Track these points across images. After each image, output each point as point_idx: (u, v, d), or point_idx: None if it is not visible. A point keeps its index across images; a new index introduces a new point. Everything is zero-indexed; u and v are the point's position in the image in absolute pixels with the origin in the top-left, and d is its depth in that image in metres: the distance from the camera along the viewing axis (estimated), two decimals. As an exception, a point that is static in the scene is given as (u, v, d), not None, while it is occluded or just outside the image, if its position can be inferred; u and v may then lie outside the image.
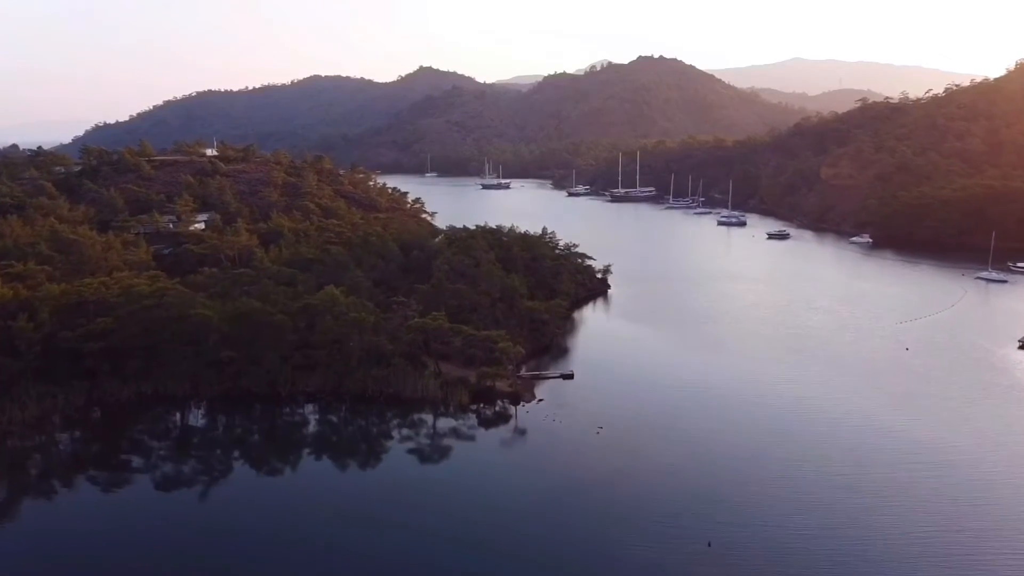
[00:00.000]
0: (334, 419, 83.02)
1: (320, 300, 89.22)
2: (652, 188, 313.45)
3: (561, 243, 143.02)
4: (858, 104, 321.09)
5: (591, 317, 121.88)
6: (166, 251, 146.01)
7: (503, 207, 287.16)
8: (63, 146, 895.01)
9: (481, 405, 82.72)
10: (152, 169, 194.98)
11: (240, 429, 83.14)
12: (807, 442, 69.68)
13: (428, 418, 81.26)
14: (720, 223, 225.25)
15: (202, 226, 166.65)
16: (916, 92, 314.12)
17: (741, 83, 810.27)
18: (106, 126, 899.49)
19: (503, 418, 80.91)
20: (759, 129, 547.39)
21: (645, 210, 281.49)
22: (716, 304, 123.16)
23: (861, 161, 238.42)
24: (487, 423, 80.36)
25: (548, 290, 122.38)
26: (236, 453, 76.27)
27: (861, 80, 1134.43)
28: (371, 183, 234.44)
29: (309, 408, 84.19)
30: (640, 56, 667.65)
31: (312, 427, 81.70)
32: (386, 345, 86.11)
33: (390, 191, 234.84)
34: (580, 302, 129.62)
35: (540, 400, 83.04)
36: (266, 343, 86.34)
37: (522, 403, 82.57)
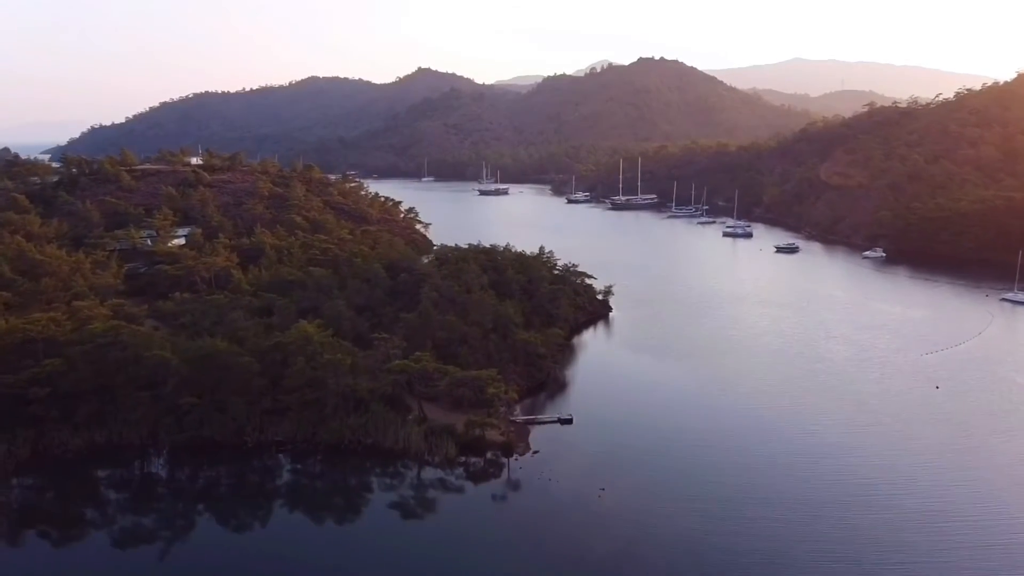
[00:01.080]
0: (306, 472, 74.82)
1: (292, 339, 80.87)
2: (654, 195, 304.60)
3: (560, 263, 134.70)
4: (865, 108, 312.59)
5: (591, 346, 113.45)
6: (141, 269, 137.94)
7: (500, 215, 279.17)
8: (59, 148, 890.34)
9: (469, 458, 74.37)
10: (132, 180, 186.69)
11: (203, 481, 75.15)
12: (837, 510, 61.25)
13: (410, 472, 73.21)
14: (725, 234, 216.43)
15: (182, 241, 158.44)
16: (918, 92, 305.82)
17: (742, 84, 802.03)
18: (102, 128, 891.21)
19: (494, 471, 72.90)
20: (762, 132, 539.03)
21: (647, 219, 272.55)
22: (726, 331, 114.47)
23: (871, 169, 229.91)
24: (476, 477, 72.29)
25: (545, 316, 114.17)
26: (199, 508, 68.95)
27: (862, 81, 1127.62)
28: (362, 192, 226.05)
29: (279, 459, 76.05)
30: (641, 58, 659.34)
31: (282, 480, 73.88)
32: (365, 389, 77.73)
33: (382, 200, 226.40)
34: (580, 327, 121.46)
35: (535, 452, 74.70)
36: (232, 387, 78.11)
37: (515, 455, 74.27)
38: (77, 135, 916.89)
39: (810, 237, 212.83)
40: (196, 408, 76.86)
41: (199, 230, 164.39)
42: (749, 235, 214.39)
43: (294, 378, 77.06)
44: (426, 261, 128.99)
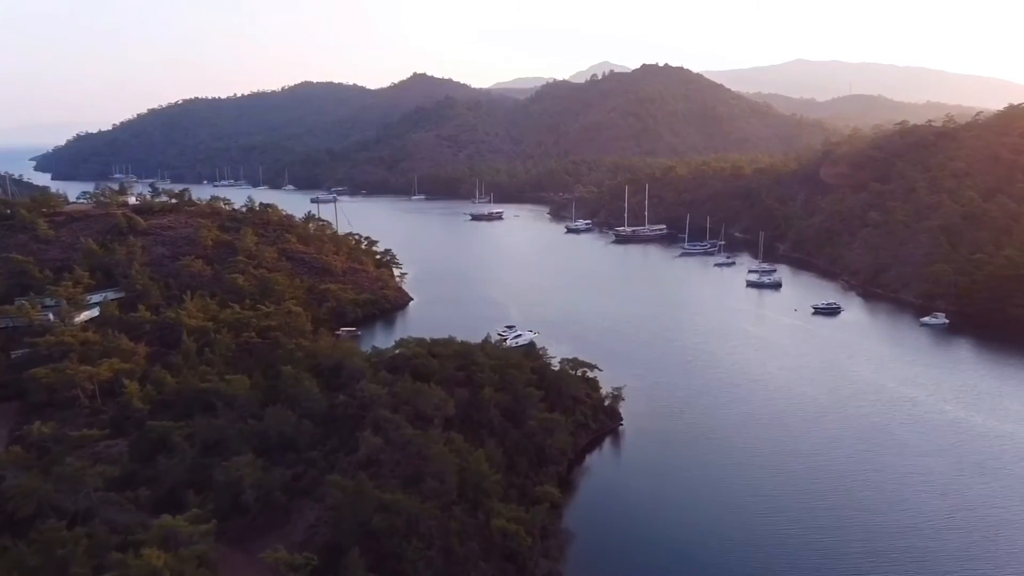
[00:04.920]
0: None
1: (136, 571, 51.58)
2: (663, 226, 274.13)
3: (557, 360, 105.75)
4: (896, 128, 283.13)
5: (594, 495, 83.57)
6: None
7: (491, 252, 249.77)
8: (45, 155, 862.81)
9: None
10: (50, 229, 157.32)
11: None
12: None
13: None
14: (750, 283, 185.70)
15: (94, 313, 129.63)
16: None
17: (744, 86, 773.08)
18: (87, 136, 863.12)
19: None
20: (773, 144, 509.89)
21: (656, 256, 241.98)
22: (780, 477, 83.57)
23: (916, 204, 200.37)
24: None
25: (536, 452, 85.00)
26: None
27: (867, 83, 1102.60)
28: (330, 231, 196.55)
29: None
30: (644, 64, 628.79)
31: None
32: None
33: (353, 242, 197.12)
34: (582, 453, 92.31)
35: None
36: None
37: None
38: (63, 142, 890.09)
39: (848, 286, 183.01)
40: None
41: (117, 298, 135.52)
42: (777, 285, 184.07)
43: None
44: (386, 356, 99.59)
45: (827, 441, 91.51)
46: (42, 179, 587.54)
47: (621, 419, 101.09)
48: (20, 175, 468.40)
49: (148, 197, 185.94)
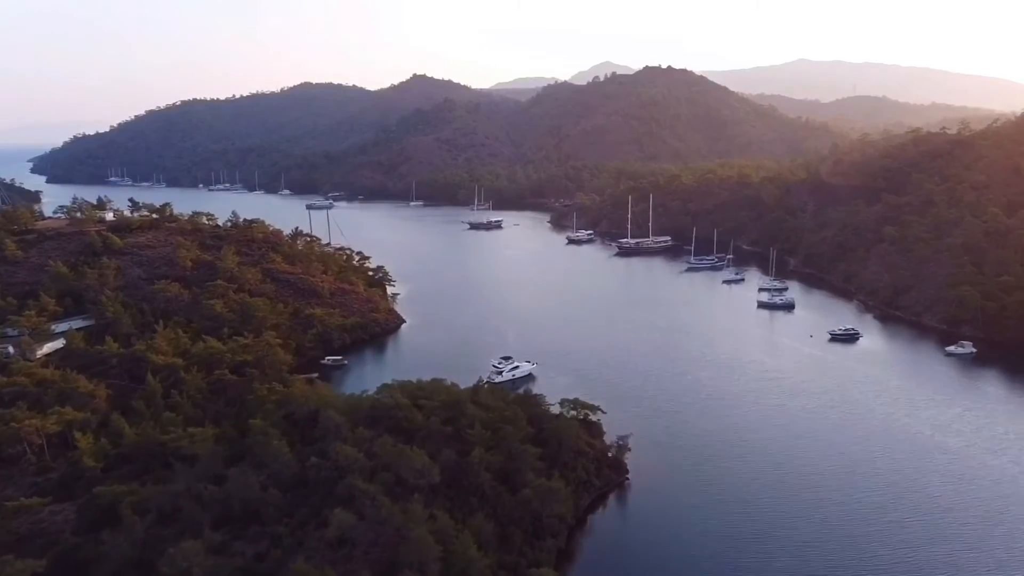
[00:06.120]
0: None
1: None
2: (667, 237, 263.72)
3: (556, 401, 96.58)
4: (909, 136, 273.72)
5: (596, 569, 74.12)
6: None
7: (490, 266, 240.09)
8: (43, 157, 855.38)
9: None
10: (18, 250, 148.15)
11: None
12: None
13: None
14: (761, 304, 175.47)
15: (59, 344, 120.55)
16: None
17: (746, 87, 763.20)
18: (84, 138, 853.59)
19: None
20: (778, 148, 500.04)
21: (661, 271, 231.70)
22: (807, 549, 73.71)
23: (934, 218, 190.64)
24: None
25: (532, 521, 75.60)
26: None
27: (870, 83, 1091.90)
28: (317, 248, 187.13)
29: None
30: (647, 66, 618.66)
31: None
32: None
33: (344, 258, 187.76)
34: (584, 514, 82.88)
35: None
36: None
37: None
38: (61, 143, 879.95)
39: (865, 307, 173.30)
40: None
41: (85, 326, 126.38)
42: (791, 306, 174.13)
43: None
44: (366, 406, 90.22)
45: (859, 506, 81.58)
46: (37, 182, 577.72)
47: (627, 472, 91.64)
48: (13, 179, 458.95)
49: (127, 213, 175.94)
